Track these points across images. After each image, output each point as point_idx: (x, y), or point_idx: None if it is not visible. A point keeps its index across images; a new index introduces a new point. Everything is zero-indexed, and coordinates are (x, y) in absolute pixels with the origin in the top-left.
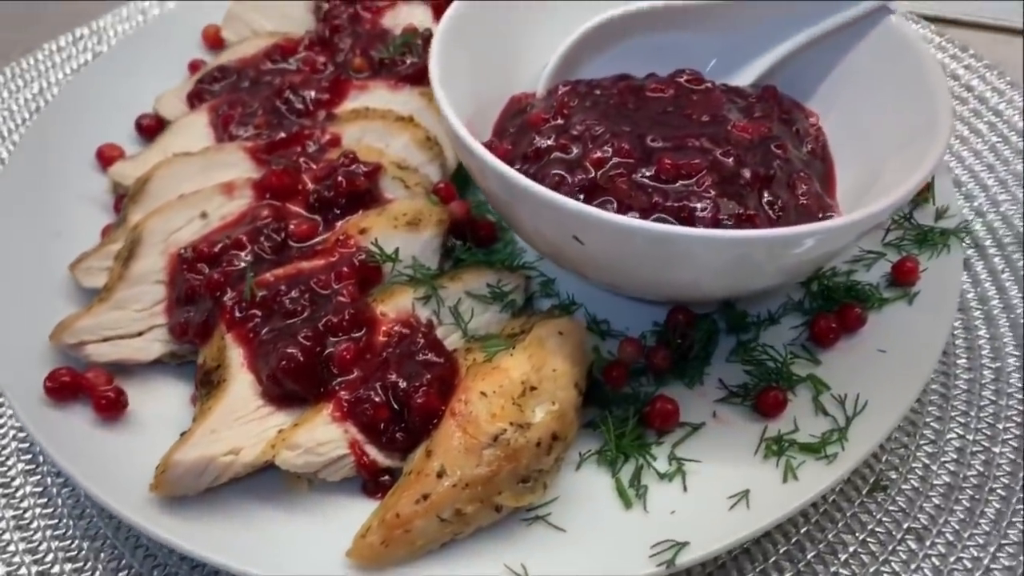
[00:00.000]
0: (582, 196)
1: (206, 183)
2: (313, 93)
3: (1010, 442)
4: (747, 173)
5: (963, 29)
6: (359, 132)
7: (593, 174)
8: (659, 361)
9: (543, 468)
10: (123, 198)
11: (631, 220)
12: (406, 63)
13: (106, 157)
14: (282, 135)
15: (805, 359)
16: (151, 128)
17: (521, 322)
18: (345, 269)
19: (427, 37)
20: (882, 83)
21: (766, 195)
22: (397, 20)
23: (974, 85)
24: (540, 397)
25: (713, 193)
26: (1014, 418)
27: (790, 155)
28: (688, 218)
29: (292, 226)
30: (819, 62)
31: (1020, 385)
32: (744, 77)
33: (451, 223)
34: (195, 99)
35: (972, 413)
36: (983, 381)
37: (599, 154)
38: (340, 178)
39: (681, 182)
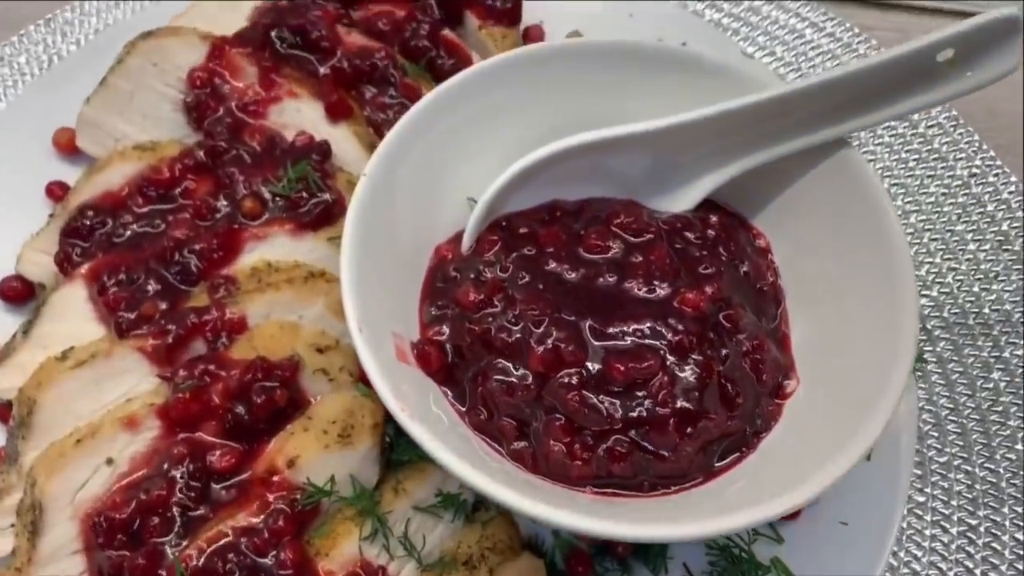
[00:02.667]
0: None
1: (101, 398)
2: (203, 246)
3: None
4: (699, 366)
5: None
6: (266, 308)
7: (540, 385)
8: (622, 549)
9: None
10: (8, 408)
11: (573, 519)
12: (305, 204)
13: None
14: (180, 332)
15: (768, 537)
16: (19, 295)
17: (477, 536)
18: (281, 523)
19: (324, 150)
20: (839, 225)
21: (725, 383)
22: (284, 118)
23: (916, 119)
24: None
25: (669, 406)
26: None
27: (743, 322)
28: (650, 435)
29: (212, 460)
30: (770, 179)
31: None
32: (686, 198)
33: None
34: (65, 261)
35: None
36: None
37: (542, 352)
38: (256, 399)
39: (636, 391)
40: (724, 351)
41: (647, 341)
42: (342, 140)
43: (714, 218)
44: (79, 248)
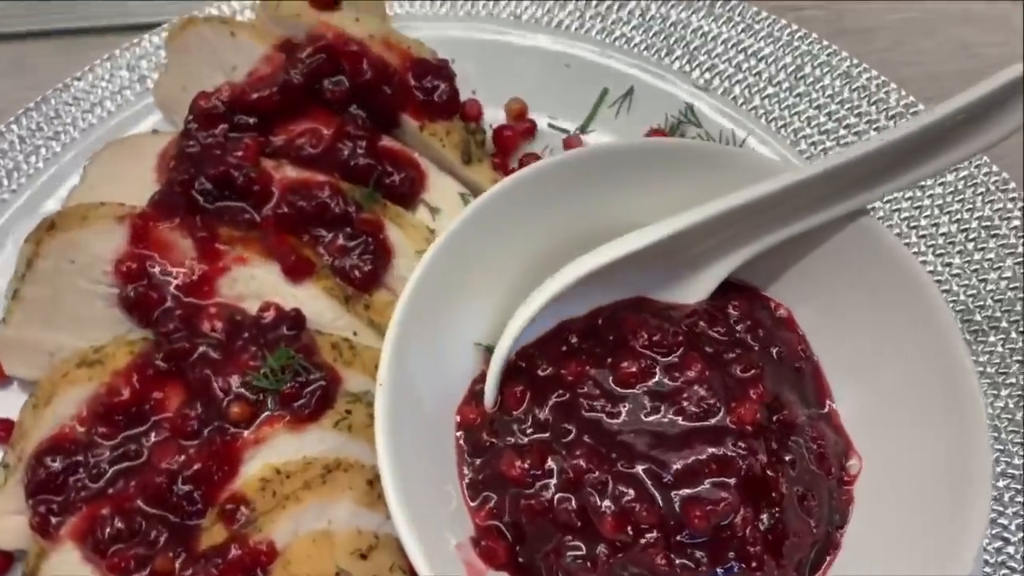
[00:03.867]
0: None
1: None
2: (197, 469)
3: None
4: (773, 486)
5: None
6: (292, 524)
7: (621, 552)
8: None
9: None
10: None
11: None
12: (299, 393)
13: None
14: None
15: None
16: None
17: None
18: None
19: (297, 321)
20: (864, 288)
21: (800, 492)
22: (238, 289)
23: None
24: None
25: (759, 539)
26: None
27: (798, 420)
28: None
29: None
30: (780, 249)
31: None
32: (699, 288)
33: None
34: (43, 524)
35: None
36: None
37: (613, 518)
38: None
39: (721, 534)
40: (789, 456)
41: (716, 478)
42: (311, 300)
43: (733, 304)
44: (54, 504)
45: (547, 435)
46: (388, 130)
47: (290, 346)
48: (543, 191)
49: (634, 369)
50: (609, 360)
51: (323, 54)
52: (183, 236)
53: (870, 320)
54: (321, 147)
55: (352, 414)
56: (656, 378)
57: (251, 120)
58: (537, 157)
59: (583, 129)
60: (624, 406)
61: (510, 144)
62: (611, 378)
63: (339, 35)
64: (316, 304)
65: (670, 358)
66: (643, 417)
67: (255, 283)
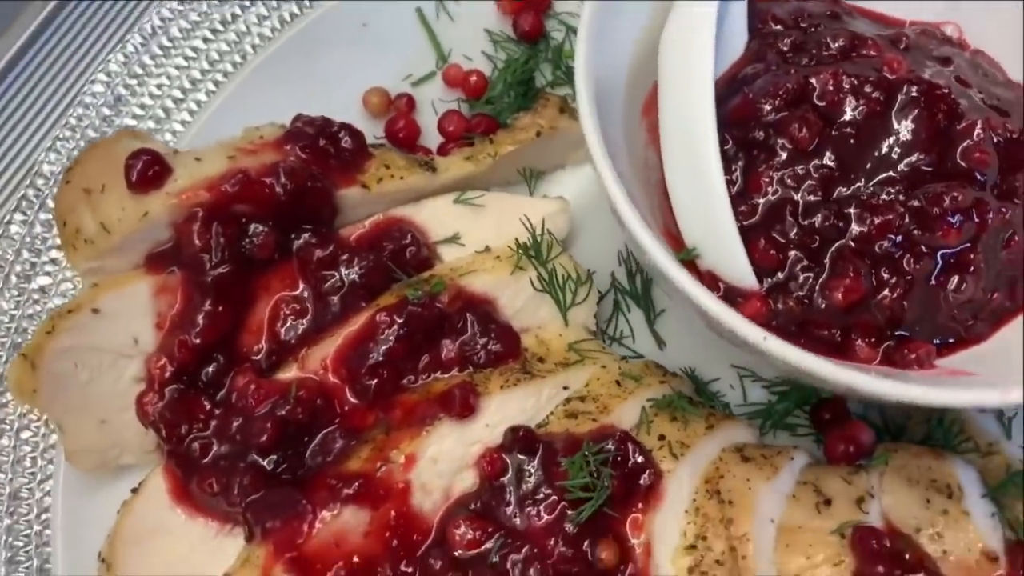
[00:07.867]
0: None
1: None
2: None
3: None
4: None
5: None
6: None
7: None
8: None
9: None
10: None
11: None
12: (626, 469)
13: None
14: None
15: None
16: None
17: None
18: None
19: (526, 437)
20: None
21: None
22: (438, 485)
23: None
24: None
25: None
26: None
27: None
28: None
29: None
30: None
31: None
32: (736, 34)
33: None
34: None
35: None
36: None
37: (951, 225)
38: None
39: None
40: (948, 69)
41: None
42: (504, 408)
43: (773, 14)
44: None
45: (835, 234)
46: (334, 220)
47: (561, 456)
48: None
49: (805, 127)
50: (778, 142)
51: (216, 222)
52: (332, 513)
53: None
54: (312, 305)
55: (666, 438)
56: (815, 100)
57: (220, 360)
58: (459, 114)
59: (444, 58)
60: (831, 149)
61: (413, 132)
62: (795, 145)
63: (209, 187)
64: (512, 407)
65: (813, 85)
66: (853, 144)
67: (445, 462)
